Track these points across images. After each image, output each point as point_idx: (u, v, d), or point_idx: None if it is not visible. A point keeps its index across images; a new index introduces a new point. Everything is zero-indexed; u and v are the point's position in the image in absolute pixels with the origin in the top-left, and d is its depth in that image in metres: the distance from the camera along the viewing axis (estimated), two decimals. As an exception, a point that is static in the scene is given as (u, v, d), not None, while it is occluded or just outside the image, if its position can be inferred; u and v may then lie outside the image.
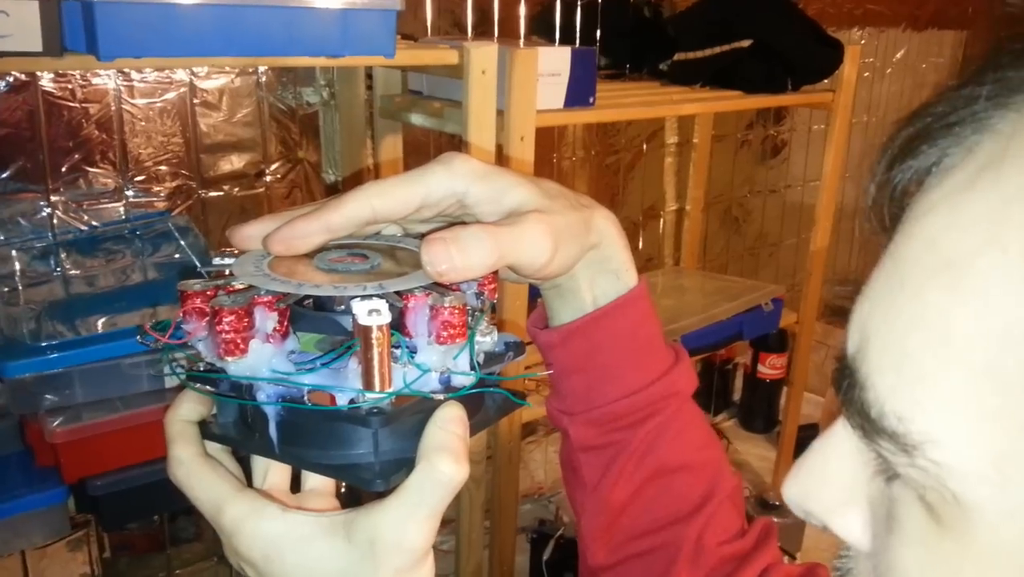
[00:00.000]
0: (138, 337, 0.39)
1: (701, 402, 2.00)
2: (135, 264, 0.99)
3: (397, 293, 0.37)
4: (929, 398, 0.23)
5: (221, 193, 1.14)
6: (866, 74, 2.12)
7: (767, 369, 1.85)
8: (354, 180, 1.21)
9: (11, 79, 0.94)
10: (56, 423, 0.79)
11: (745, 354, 1.92)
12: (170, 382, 0.81)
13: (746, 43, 1.35)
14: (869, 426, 0.25)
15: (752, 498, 1.52)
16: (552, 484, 1.68)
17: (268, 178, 1.18)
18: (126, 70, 1.02)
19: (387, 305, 0.34)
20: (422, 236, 0.39)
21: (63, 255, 0.97)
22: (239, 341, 0.36)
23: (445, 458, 0.36)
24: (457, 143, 1.01)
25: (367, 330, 0.33)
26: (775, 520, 0.57)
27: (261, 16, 0.78)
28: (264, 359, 0.37)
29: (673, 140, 1.71)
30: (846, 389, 0.26)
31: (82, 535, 1.08)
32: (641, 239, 1.72)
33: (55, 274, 0.94)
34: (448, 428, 0.36)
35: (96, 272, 0.96)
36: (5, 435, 0.82)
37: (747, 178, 1.93)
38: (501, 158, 1.02)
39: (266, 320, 0.37)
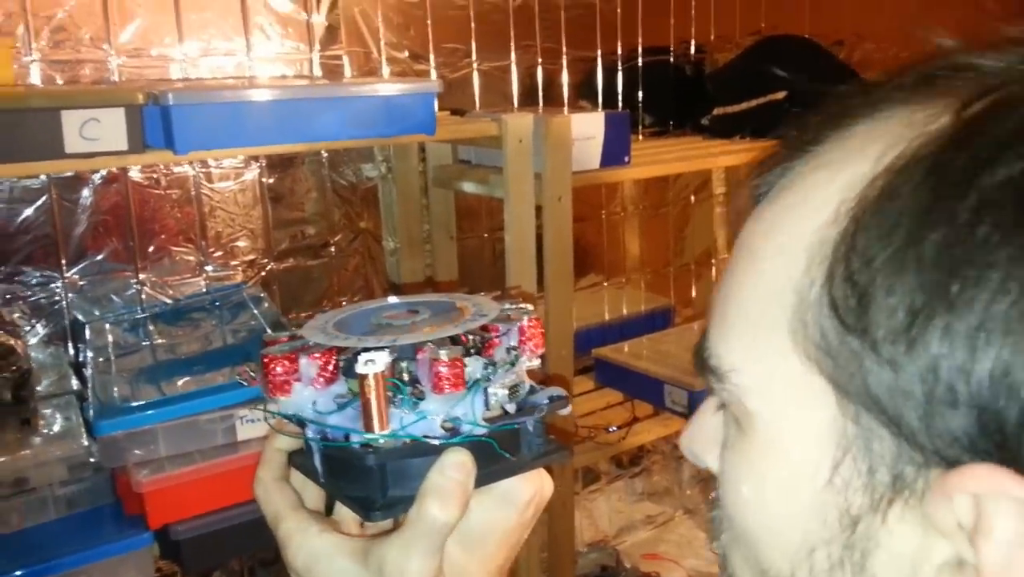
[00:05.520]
0: (237, 376, 0.47)
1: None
2: (215, 332, 1.09)
3: (413, 346, 0.42)
4: (732, 340, 0.34)
5: (291, 264, 1.24)
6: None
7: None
8: (410, 246, 1.30)
9: (104, 172, 1.07)
10: (142, 474, 0.87)
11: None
12: (242, 435, 0.90)
13: (780, 95, 1.40)
14: (703, 367, 0.35)
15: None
16: (616, 533, 1.70)
17: (333, 248, 1.27)
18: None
19: (388, 356, 0.39)
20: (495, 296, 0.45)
21: (151, 327, 1.08)
22: (282, 384, 0.42)
23: (434, 501, 0.40)
24: (503, 207, 1.08)
25: (362, 377, 0.39)
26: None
27: (315, 108, 0.89)
28: (306, 399, 0.43)
29: (721, 190, 1.75)
30: (696, 347, 0.37)
31: (170, 585, 1.17)
32: (694, 287, 1.76)
33: (144, 344, 1.05)
34: (446, 473, 0.41)
35: (180, 340, 1.07)
36: (100, 488, 0.92)
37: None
38: (540, 218, 1.09)
39: (309, 366, 0.43)
